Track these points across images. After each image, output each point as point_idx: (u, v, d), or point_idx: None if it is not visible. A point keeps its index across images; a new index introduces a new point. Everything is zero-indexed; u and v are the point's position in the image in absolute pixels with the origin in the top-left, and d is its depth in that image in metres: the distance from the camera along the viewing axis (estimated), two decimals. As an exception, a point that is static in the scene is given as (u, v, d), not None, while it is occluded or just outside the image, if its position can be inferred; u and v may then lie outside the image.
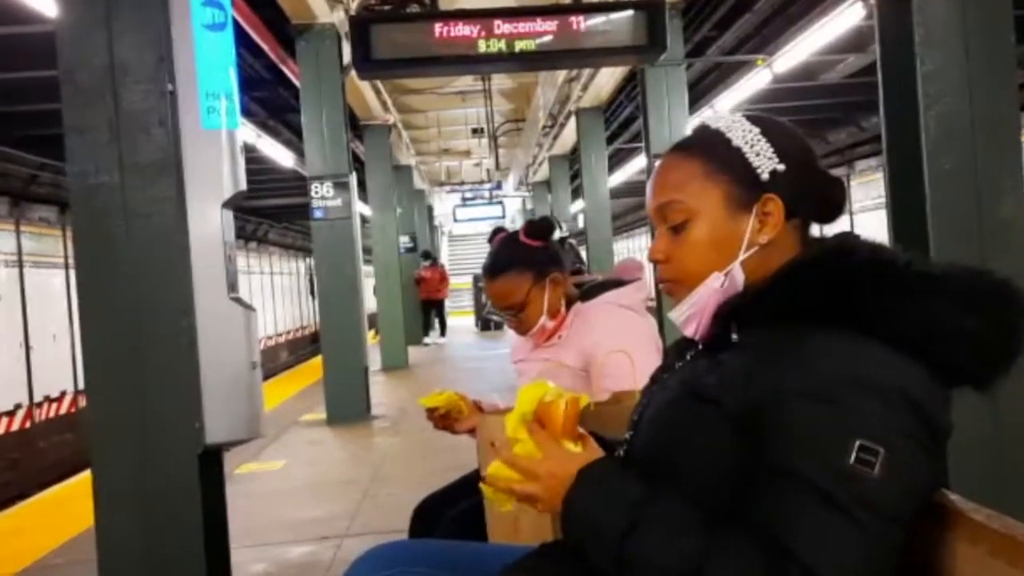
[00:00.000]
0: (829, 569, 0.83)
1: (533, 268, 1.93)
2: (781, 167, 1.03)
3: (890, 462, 0.85)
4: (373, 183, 10.88)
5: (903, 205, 2.89)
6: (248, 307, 2.74)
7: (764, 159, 1.03)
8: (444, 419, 2.00)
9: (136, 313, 2.58)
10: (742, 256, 1.03)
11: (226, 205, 2.76)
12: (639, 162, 12.90)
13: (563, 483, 0.97)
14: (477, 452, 2.00)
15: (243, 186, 2.82)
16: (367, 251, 11.36)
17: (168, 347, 2.57)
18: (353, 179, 6.88)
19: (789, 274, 1.00)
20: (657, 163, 1.11)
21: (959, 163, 2.74)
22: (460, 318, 17.57)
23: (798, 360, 0.92)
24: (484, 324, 16.43)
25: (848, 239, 1.03)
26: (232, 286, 2.74)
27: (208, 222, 2.66)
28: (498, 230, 2.09)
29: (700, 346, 1.08)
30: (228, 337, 2.66)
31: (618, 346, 1.87)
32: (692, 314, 1.06)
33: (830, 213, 1.08)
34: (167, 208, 2.57)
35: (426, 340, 14.16)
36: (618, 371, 1.85)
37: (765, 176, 1.03)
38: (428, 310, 14.76)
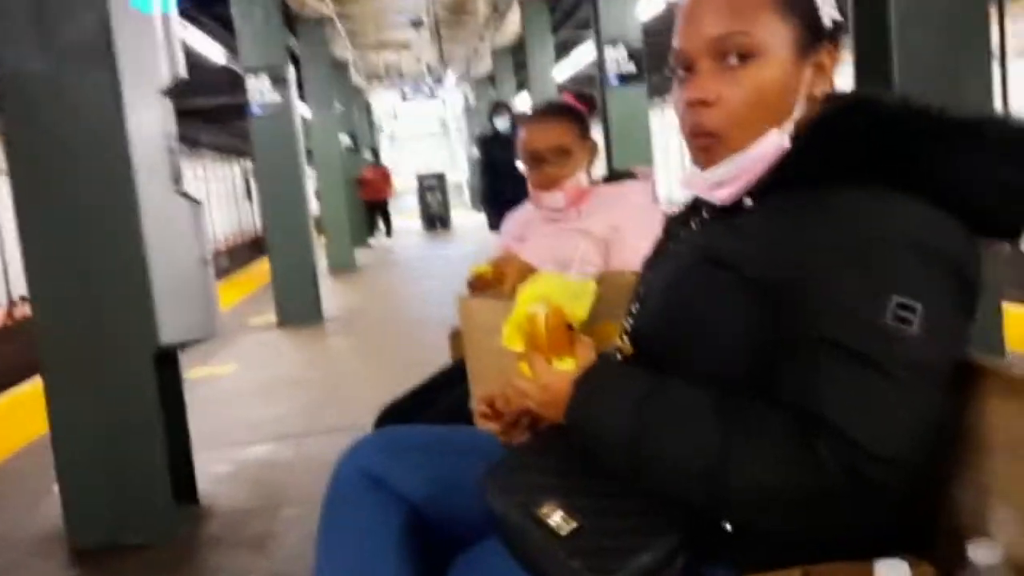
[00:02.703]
0: (866, 432, 0.78)
1: (581, 125, 1.96)
2: (840, 17, 0.94)
3: (928, 319, 0.80)
4: (310, 80, 10.46)
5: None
6: (194, 200, 2.61)
7: (828, 6, 0.94)
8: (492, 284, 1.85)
9: (77, 211, 2.44)
10: (797, 113, 0.93)
11: (165, 93, 2.60)
12: (587, 52, 12.62)
13: (560, 398, 0.93)
14: (451, 338, 1.93)
15: (183, 73, 2.65)
16: (308, 153, 11.04)
17: (114, 245, 2.44)
18: (291, 72, 6.59)
19: (814, 131, 0.92)
20: None
21: (928, 43, 2.69)
22: (405, 221, 17.35)
23: (825, 221, 0.86)
24: (430, 223, 16.26)
25: (866, 91, 0.97)
26: (176, 179, 2.60)
27: (147, 111, 2.51)
28: (499, 103, 2.04)
29: (707, 214, 1.01)
30: (175, 233, 2.54)
31: (645, 229, 1.82)
32: (735, 175, 0.94)
33: None
34: (102, 96, 2.40)
35: (371, 241, 14.01)
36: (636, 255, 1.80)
37: (828, 24, 0.94)
38: (372, 212, 14.58)
